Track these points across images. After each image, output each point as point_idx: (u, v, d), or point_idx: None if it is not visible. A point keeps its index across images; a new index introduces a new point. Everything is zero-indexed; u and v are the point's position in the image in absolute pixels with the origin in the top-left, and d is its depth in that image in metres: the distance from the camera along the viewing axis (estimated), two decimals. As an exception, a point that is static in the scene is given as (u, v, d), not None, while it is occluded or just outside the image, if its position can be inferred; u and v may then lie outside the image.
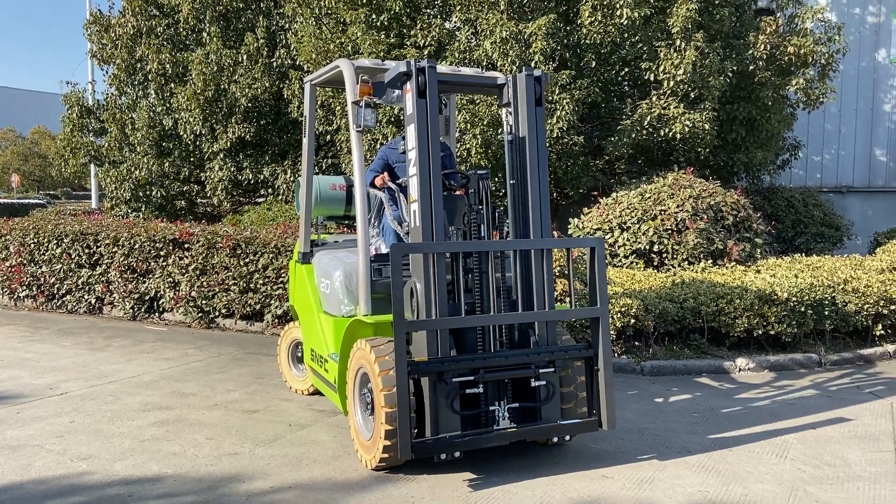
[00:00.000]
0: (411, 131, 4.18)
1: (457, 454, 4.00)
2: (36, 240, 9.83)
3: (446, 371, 3.97)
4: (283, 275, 8.03)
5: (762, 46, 9.20)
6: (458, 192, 4.58)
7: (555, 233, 8.70)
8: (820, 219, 10.69)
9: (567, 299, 6.30)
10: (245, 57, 11.74)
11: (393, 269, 3.85)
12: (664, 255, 8.17)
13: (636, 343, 6.81)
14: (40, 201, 29.20)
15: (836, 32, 10.06)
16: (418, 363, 3.94)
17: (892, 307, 7.05)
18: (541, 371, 4.16)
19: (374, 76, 4.77)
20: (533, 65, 8.57)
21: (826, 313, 6.82)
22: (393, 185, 5.16)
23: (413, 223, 4.21)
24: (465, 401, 4.09)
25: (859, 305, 6.96)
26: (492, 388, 4.14)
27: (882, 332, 7.15)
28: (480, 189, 4.41)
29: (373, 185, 5.25)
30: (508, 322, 4.28)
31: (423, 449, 3.91)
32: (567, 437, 4.35)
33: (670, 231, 8.11)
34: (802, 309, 6.71)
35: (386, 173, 5.27)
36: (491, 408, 4.12)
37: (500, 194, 8.87)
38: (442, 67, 4.81)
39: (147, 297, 9.05)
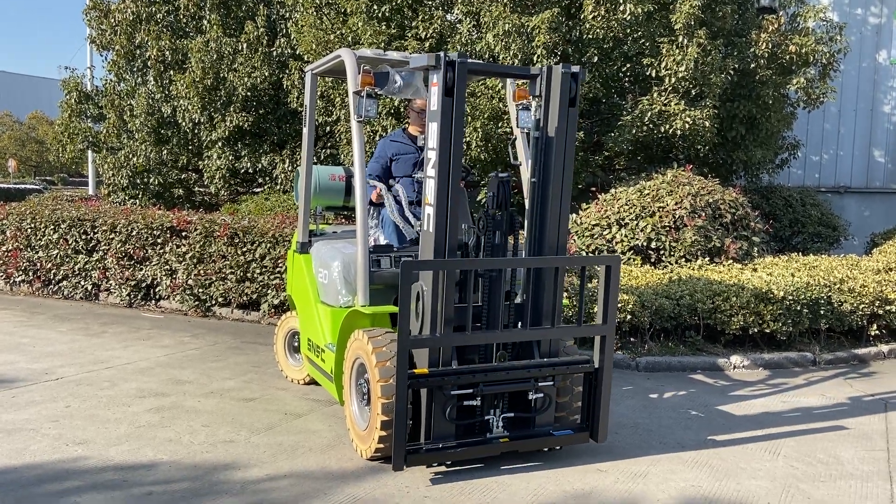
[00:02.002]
0: (433, 130, 3.91)
1: (448, 463, 4.05)
2: (33, 225, 9.80)
3: (446, 384, 3.95)
4: (280, 264, 8.03)
5: (764, 45, 9.19)
6: (460, 185, 4.55)
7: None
8: (817, 218, 10.71)
9: (565, 293, 6.32)
10: (245, 45, 11.69)
11: (402, 287, 3.71)
12: (661, 252, 8.18)
13: (632, 339, 6.83)
14: (37, 187, 29.10)
15: (837, 32, 10.06)
16: (419, 376, 3.90)
17: (888, 307, 7.08)
18: (540, 384, 4.15)
19: (376, 66, 4.75)
20: (535, 59, 8.56)
21: (821, 312, 6.85)
22: (388, 196, 5.06)
23: (426, 227, 4.03)
24: (460, 408, 4.08)
25: (855, 305, 6.98)
26: (488, 398, 4.13)
27: (877, 332, 7.18)
28: (500, 193, 4.21)
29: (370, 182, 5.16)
30: (514, 339, 4.22)
31: (417, 459, 3.93)
32: (558, 447, 4.38)
33: (668, 228, 8.12)
34: (798, 308, 6.73)
35: (382, 186, 5.08)
36: (486, 417, 4.12)
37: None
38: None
39: (144, 285, 9.04)
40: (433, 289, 3.94)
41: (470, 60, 4.01)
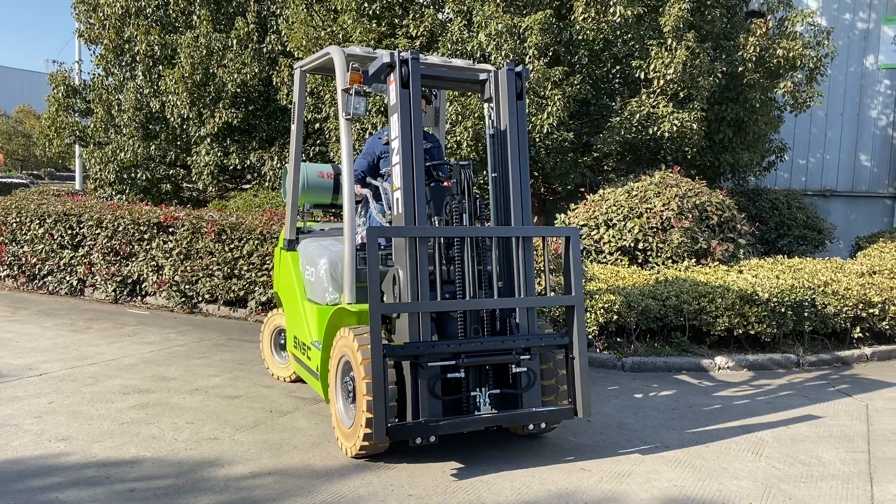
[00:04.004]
0: (395, 121, 4.24)
1: (432, 438, 3.99)
2: (18, 219, 9.73)
3: (422, 354, 3.99)
4: (267, 261, 8.01)
5: (752, 48, 9.25)
6: (445, 184, 4.59)
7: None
8: (803, 221, 10.80)
9: (552, 294, 6.34)
10: (235, 41, 11.64)
11: (369, 252, 3.90)
12: (648, 253, 8.22)
13: (618, 339, 6.86)
14: (23, 181, 28.83)
15: (825, 37, 10.13)
16: (394, 346, 3.97)
17: (871, 310, 7.14)
18: (521, 358, 4.19)
19: (365, 64, 4.75)
20: (527, 59, 8.58)
21: (805, 315, 6.90)
22: (369, 194, 5.08)
23: (395, 210, 4.25)
24: (446, 389, 4.13)
25: (838, 308, 7.04)
26: (473, 374, 4.17)
27: (860, 334, 7.24)
28: (462, 179, 4.45)
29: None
30: (484, 307, 4.30)
31: (398, 432, 3.92)
32: (543, 425, 4.37)
33: (655, 229, 8.16)
34: (782, 310, 6.78)
35: (366, 191, 5.07)
36: (472, 393, 4.14)
37: (488, 186, 8.88)
38: (430, 58, 4.83)
39: (130, 281, 8.99)
40: (407, 270, 4.07)
41: (424, 60, 4.45)
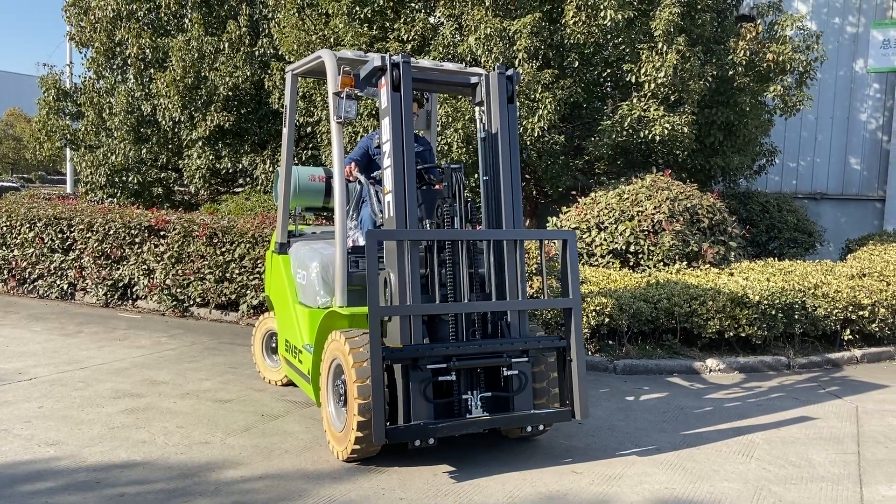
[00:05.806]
0: (385, 124, 4.25)
1: (431, 441, 3.99)
2: (8, 223, 9.67)
3: (419, 357, 3.99)
4: (259, 265, 7.99)
5: (742, 52, 9.30)
6: (437, 187, 4.60)
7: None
8: (793, 224, 10.85)
9: (541, 296, 6.35)
10: (227, 45, 11.63)
11: (368, 256, 3.90)
12: (640, 256, 8.24)
13: (610, 342, 6.87)
14: (14, 184, 28.69)
15: (814, 41, 10.19)
16: (393, 349, 3.97)
17: (861, 313, 7.19)
18: (513, 360, 4.19)
19: (356, 68, 4.76)
20: (517, 63, 8.60)
21: (796, 317, 6.94)
22: (362, 178, 5.10)
23: (387, 214, 4.26)
24: (438, 392, 4.13)
25: (829, 310, 7.08)
26: (465, 377, 4.17)
27: (850, 336, 7.28)
28: (454, 182, 4.48)
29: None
30: (481, 310, 4.31)
31: (397, 435, 3.92)
32: (540, 427, 4.37)
33: (647, 232, 8.19)
34: (773, 312, 6.82)
35: (354, 164, 5.12)
36: (464, 396, 4.14)
37: (479, 189, 8.89)
38: (421, 62, 4.85)
39: (121, 284, 8.95)
40: (399, 273, 4.08)
41: (415, 64, 4.47)
